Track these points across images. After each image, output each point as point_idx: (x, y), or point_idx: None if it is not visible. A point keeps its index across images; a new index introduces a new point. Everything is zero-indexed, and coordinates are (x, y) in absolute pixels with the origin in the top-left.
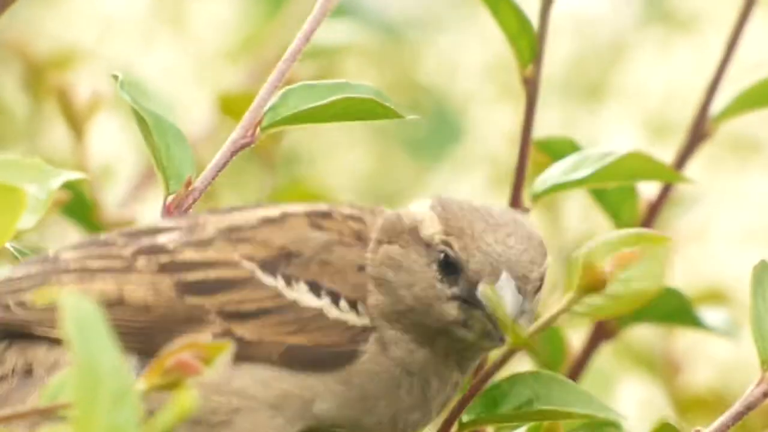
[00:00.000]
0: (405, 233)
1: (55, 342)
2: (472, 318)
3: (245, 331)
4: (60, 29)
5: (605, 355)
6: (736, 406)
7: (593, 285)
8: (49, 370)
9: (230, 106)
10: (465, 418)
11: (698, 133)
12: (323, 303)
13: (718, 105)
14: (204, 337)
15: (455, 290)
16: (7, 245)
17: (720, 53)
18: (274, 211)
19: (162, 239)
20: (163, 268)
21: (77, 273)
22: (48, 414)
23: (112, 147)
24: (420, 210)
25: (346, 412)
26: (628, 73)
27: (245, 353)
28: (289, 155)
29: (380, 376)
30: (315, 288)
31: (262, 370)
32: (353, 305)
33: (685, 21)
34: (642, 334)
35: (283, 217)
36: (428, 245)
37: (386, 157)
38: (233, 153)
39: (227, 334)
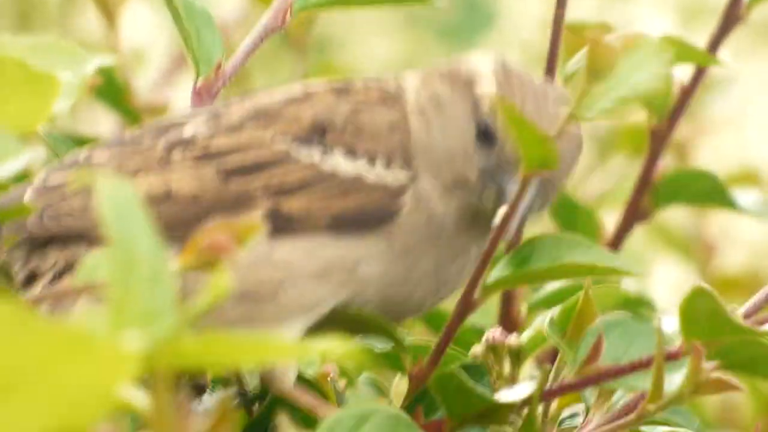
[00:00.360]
0: (458, 79)
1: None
2: (488, 193)
3: (292, 205)
4: None
5: (639, 237)
6: None
7: (603, 62)
8: None
9: None
10: (490, 279)
11: (731, 17)
12: (360, 167)
13: None
14: (254, 216)
15: (483, 160)
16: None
17: None
18: (296, 91)
19: (189, 131)
20: (200, 159)
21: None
22: (84, 294)
23: (144, 33)
24: (481, 66)
25: (392, 268)
26: None
27: (294, 227)
28: (321, 41)
29: (420, 227)
30: (350, 154)
31: (305, 241)
32: (388, 164)
33: None
34: (675, 216)
35: (307, 95)
36: (476, 104)
37: (417, 43)
38: (264, 37)
39: (276, 210)
